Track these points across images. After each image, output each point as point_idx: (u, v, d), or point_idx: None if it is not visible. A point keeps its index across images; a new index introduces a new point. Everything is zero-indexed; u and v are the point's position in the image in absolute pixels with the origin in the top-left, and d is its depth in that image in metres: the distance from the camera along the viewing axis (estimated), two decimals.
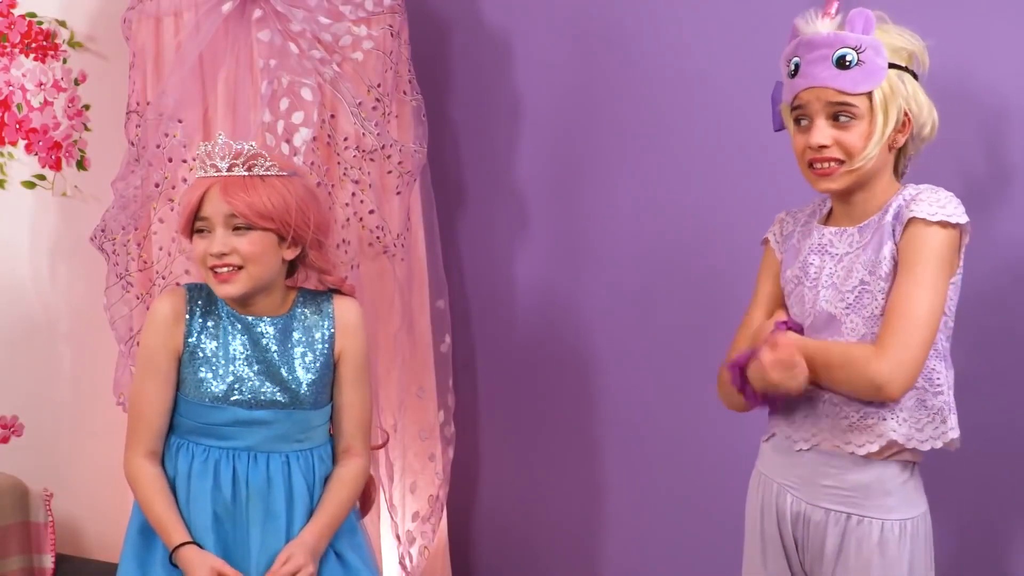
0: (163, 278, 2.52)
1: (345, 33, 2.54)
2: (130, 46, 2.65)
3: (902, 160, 1.90)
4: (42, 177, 2.76)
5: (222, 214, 2.00)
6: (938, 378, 1.81)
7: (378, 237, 2.58)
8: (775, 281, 1.99)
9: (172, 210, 2.49)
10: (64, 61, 2.78)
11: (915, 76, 1.84)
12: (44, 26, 2.75)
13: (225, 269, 2.01)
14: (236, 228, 2.01)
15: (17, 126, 2.71)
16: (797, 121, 1.87)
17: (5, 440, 2.69)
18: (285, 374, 2.07)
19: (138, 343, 2.50)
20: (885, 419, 1.80)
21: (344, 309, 2.14)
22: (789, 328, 1.90)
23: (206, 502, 2.04)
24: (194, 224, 2.04)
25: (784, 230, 2.01)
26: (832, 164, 1.82)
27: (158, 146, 2.51)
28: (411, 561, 2.73)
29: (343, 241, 2.53)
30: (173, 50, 2.55)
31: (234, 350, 2.07)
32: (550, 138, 2.83)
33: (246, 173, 2.02)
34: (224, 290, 2.02)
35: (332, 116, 2.55)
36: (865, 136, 1.80)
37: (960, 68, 2.11)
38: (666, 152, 2.61)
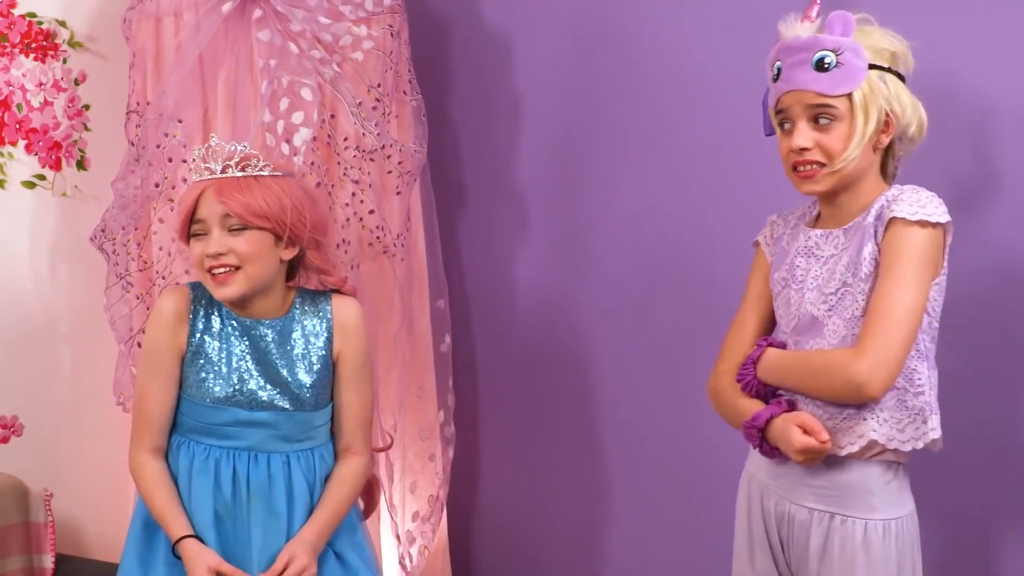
0: (163, 278, 2.52)
1: (345, 33, 2.54)
2: (130, 46, 2.65)
3: (891, 161, 1.90)
4: (42, 177, 2.76)
5: (217, 215, 2.00)
6: (919, 379, 1.80)
7: (378, 237, 2.58)
8: (765, 283, 2.00)
9: (172, 210, 2.49)
10: (64, 61, 2.78)
11: (901, 77, 1.84)
12: (44, 26, 2.75)
13: (222, 270, 2.01)
14: (232, 229, 2.01)
15: (17, 126, 2.71)
16: (781, 125, 1.88)
17: (5, 440, 2.69)
18: (286, 376, 2.07)
19: (138, 343, 2.50)
20: (865, 419, 1.80)
21: (342, 309, 2.14)
22: (770, 345, 1.92)
23: (207, 500, 2.04)
24: (191, 228, 2.04)
25: (775, 232, 2.02)
26: (814, 167, 1.83)
27: (158, 146, 2.51)
28: (411, 561, 2.73)
29: (343, 241, 2.53)
30: (173, 50, 2.55)
31: (235, 352, 2.07)
32: (550, 138, 2.83)
33: (240, 174, 2.02)
34: (222, 292, 2.02)
35: (332, 116, 2.55)
36: (845, 138, 1.81)
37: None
38: (666, 152, 2.61)
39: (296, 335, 2.10)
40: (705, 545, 2.55)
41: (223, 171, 2.02)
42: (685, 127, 2.57)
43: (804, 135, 1.82)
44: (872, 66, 1.81)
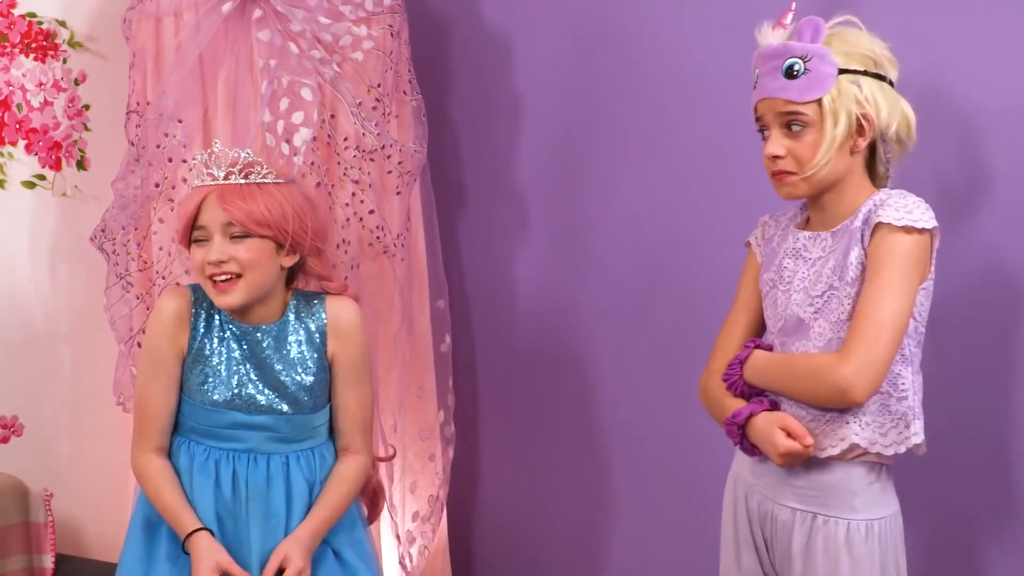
0: (163, 278, 2.52)
1: (345, 33, 2.54)
2: (130, 46, 2.65)
3: (879, 164, 1.89)
4: (42, 177, 2.76)
5: (219, 222, 2.00)
6: (903, 383, 1.80)
7: (378, 237, 2.58)
8: (756, 283, 2.01)
9: (172, 210, 2.49)
10: (64, 61, 2.78)
11: (881, 79, 1.83)
12: (44, 26, 2.75)
13: (223, 277, 2.00)
14: (233, 236, 2.00)
15: (17, 126, 2.71)
16: (761, 132, 1.89)
17: (5, 440, 2.69)
18: (283, 380, 2.07)
19: (138, 343, 2.50)
20: (848, 423, 1.80)
21: (336, 310, 2.13)
22: (757, 347, 1.93)
23: (208, 500, 2.04)
24: (192, 233, 2.04)
25: (766, 233, 2.03)
26: (787, 174, 1.84)
27: (158, 146, 2.51)
28: (411, 561, 2.73)
29: (343, 241, 2.53)
30: (173, 50, 2.55)
31: (234, 357, 2.07)
32: (550, 138, 2.83)
33: (243, 181, 2.02)
34: (223, 300, 2.02)
35: (332, 116, 2.55)
36: (815, 144, 1.81)
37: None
38: (666, 152, 2.61)
39: (292, 339, 2.10)
40: (705, 545, 2.55)
41: (226, 177, 2.02)
42: (685, 127, 2.57)
43: (776, 143, 1.84)
44: (844, 70, 1.80)
